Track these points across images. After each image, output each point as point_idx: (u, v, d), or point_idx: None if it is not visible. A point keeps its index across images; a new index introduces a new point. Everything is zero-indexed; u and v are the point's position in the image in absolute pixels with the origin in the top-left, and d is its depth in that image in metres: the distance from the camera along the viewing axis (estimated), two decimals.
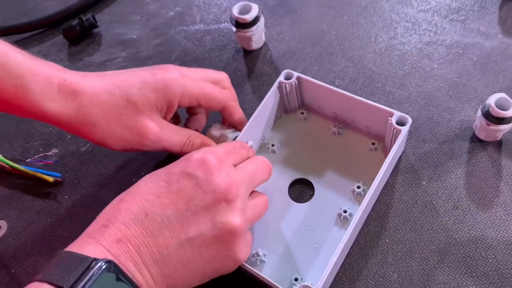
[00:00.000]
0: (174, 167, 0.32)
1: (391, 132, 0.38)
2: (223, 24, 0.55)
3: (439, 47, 0.47)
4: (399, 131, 0.37)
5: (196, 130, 0.45)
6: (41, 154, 0.48)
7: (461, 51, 0.46)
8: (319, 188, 0.41)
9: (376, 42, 0.49)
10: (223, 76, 0.43)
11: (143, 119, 0.37)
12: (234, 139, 0.40)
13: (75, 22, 0.56)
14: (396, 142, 0.37)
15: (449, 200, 0.38)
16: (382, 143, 0.42)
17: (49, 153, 0.48)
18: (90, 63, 0.55)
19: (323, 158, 0.42)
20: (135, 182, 0.45)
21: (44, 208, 0.45)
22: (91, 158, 0.47)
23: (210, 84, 0.40)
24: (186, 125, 0.45)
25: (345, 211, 0.38)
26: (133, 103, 0.37)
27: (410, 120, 0.37)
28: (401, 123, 0.38)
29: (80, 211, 0.44)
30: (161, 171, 0.33)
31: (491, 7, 0.49)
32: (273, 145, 0.43)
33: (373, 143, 0.41)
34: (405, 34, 0.49)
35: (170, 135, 0.38)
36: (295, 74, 0.42)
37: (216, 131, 0.42)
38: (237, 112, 0.42)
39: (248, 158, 0.36)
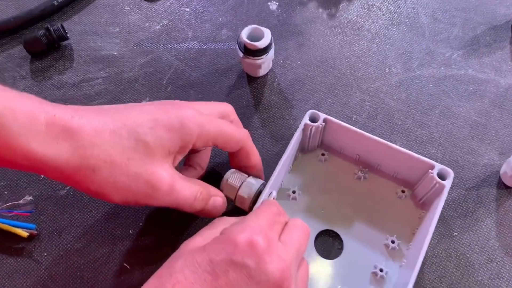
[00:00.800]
0: (217, 254, 0.27)
1: (430, 184, 0.36)
2: (221, 44, 0.49)
3: (456, 82, 0.45)
4: (442, 186, 0.35)
5: (200, 168, 0.39)
6: (9, 203, 0.39)
7: (477, 87, 0.45)
8: (348, 241, 0.37)
9: (391, 73, 0.46)
10: (229, 109, 0.38)
11: (155, 166, 0.31)
12: (260, 190, 0.36)
13: (40, 32, 0.47)
14: (441, 199, 0.34)
15: (483, 253, 0.37)
16: (410, 190, 0.39)
17: (20, 201, 0.39)
18: (61, 84, 0.47)
19: (348, 205, 0.39)
20: (132, 234, 0.39)
21: (17, 269, 0.37)
22: (74, 204, 0.40)
23: (226, 122, 0.35)
24: (187, 164, 0.39)
25: (381, 270, 0.36)
26: (144, 146, 0.30)
27: (452, 175, 0.35)
28: (441, 176, 0.35)
29: (64, 271, 0.37)
30: (200, 258, 0.27)
31: (502, 41, 0.48)
32: (294, 192, 0.39)
33: (403, 191, 0.39)
34: (420, 66, 0.46)
35: (182, 186, 0.33)
36: (322, 116, 0.38)
37: (234, 180, 0.36)
38: (254, 154, 0.37)
39: (285, 223, 0.32)
